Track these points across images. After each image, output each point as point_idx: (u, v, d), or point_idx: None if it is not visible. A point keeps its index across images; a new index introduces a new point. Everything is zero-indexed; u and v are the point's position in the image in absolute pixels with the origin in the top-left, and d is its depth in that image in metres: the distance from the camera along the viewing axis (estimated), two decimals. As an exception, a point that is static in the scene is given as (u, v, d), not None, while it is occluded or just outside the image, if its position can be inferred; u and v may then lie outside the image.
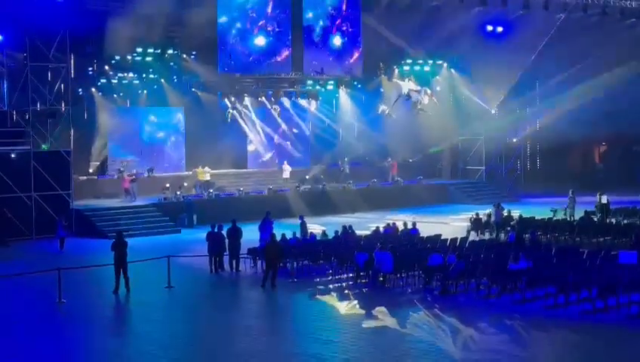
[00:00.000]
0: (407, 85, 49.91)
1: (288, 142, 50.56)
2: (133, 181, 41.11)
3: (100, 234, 35.81)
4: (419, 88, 49.86)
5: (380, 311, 22.37)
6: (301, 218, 33.76)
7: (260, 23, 44.42)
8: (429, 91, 49.73)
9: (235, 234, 28.58)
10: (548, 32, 47.63)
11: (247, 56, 44.50)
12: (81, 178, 42.03)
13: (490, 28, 49.69)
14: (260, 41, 44.61)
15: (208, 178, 44.27)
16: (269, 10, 44.46)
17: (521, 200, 48.56)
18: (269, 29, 44.65)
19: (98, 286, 26.09)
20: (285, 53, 45.49)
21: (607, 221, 36.15)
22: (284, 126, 50.27)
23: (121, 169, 43.23)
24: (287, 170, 47.58)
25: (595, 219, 36.37)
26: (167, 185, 42.49)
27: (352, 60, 47.64)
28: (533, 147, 56.98)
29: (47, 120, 38.27)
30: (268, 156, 49.58)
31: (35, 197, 36.76)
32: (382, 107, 50.37)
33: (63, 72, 38.13)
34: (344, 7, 46.59)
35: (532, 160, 57.07)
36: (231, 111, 47.84)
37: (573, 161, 58.15)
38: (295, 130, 51.00)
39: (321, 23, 46.07)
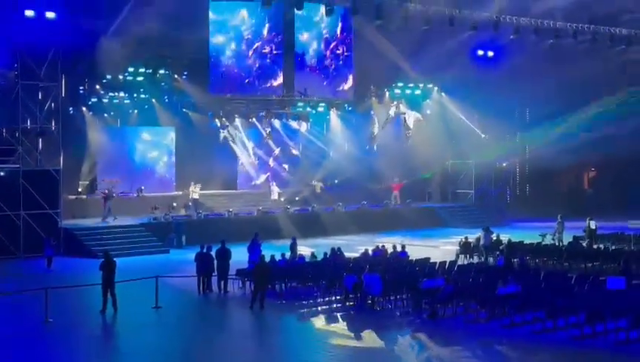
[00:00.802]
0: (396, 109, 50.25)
1: (286, 166, 50.49)
2: (106, 198, 40.71)
3: (89, 253, 35.65)
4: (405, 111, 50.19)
5: (368, 333, 22.37)
6: (293, 239, 33.72)
7: (255, 46, 44.18)
8: (417, 115, 49.93)
9: (224, 254, 28.50)
10: (538, 57, 47.87)
11: (241, 78, 44.23)
12: (70, 197, 41.89)
13: (481, 52, 49.97)
14: (255, 63, 44.40)
15: (197, 196, 44.13)
16: (265, 32, 44.26)
17: (510, 224, 48.61)
18: (264, 51, 44.38)
19: (85, 305, 25.98)
20: (281, 76, 45.28)
21: (596, 246, 36.21)
22: (276, 151, 50.16)
23: (106, 190, 43.07)
24: (275, 191, 47.56)
25: (584, 245, 36.44)
26: (157, 205, 42.41)
27: (344, 83, 47.47)
28: (523, 172, 57.16)
29: (37, 138, 38.20)
30: (262, 179, 49.34)
31: (24, 215, 36.64)
32: (373, 129, 50.63)
33: (53, 91, 38.10)
34: (338, 30, 46.42)
35: (521, 184, 57.20)
36: (223, 132, 47.78)
37: (562, 186, 58.29)
38: (295, 152, 50.92)
39: (315, 45, 45.90)
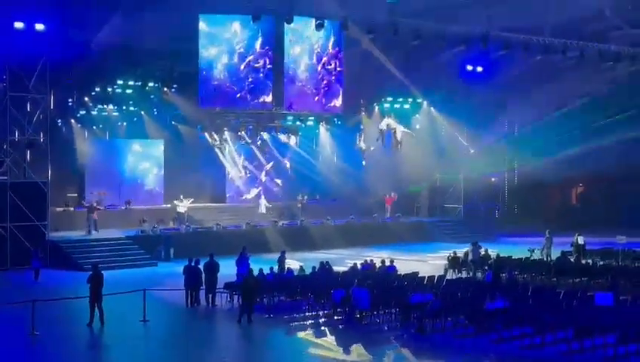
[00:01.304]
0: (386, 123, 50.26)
1: (279, 181, 50.40)
2: (89, 211, 40.48)
3: (76, 266, 35.51)
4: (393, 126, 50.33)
5: (357, 348, 22.33)
6: (282, 253, 33.68)
7: (247, 59, 43.78)
8: (404, 129, 50.08)
9: (212, 268, 28.43)
10: (527, 72, 48.04)
11: (233, 92, 43.78)
12: (58, 209, 41.72)
13: (470, 67, 50.11)
14: (248, 77, 43.98)
15: (182, 210, 43.96)
16: (258, 46, 43.94)
17: (499, 239, 48.64)
18: (256, 65, 43.98)
19: (72, 318, 25.81)
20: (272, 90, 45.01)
21: (584, 262, 36.28)
22: (268, 166, 50.08)
23: (95, 202, 42.93)
24: (263, 204, 47.49)
25: (572, 260, 36.49)
26: (145, 217, 42.32)
27: (336, 100, 47.20)
28: (511, 186, 57.24)
29: (25, 150, 38.08)
30: (254, 193, 49.08)
31: (11, 227, 36.47)
32: (362, 144, 50.72)
33: (42, 103, 38.00)
34: (330, 45, 46.14)
35: (510, 199, 57.26)
36: (218, 145, 47.76)
37: (550, 201, 58.41)
38: (287, 165, 50.88)
39: (306, 60, 45.56)
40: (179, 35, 39.99)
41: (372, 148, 50.51)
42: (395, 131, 49.70)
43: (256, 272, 27.67)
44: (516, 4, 42.05)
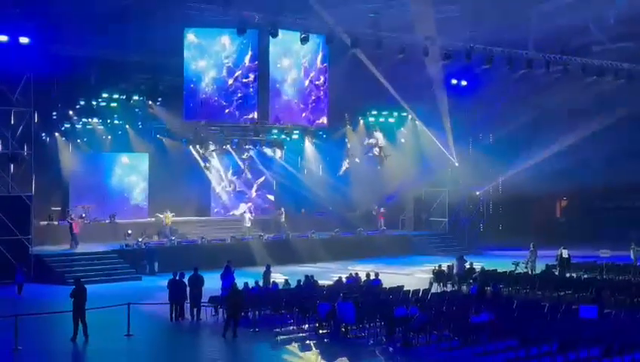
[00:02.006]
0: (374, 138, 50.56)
1: (272, 197, 50.29)
2: (72, 225, 40.24)
3: (60, 280, 35.29)
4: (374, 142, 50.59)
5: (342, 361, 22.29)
6: (267, 266, 33.63)
7: (236, 74, 43.41)
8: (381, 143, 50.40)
9: (197, 281, 28.35)
10: (511, 86, 48.27)
11: (221, 106, 43.26)
12: (42, 223, 41.53)
13: (454, 81, 50.32)
14: (237, 93, 43.64)
15: (168, 223, 43.79)
16: (247, 60, 43.65)
17: (483, 252, 48.78)
18: (245, 80, 43.51)
19: (56, 333, 25.68)
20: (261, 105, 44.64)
21: (568, 275, 36.40)
22: (260, 180, 49.98)
23: (83, 215, 42.82)
24: (248, 218, 47.40)
25: (556, 273, 36.61)
26: (129, 231, 42.20)
27: (324, 116, 47.00)
28: (496, 200, 57.36)
29: (8, 164, 37.91)
30: (242, 209, 48.69)
31: (-6, 241, 36.31)
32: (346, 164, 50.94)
33: (26, 116, 37.85)
34: (318, 60, 45.95)
35: (495, 212, 57.37)
36: (207, 165, 47.80)
37: (534, 215, 58.58)
38: (272, 180, 50.87)
39: (293, 74, 45.32)
40: (164, 49, 39.94)
41: (354, 162, 50.59)
42: (380, 146, 49.91)
43: (241, 286, 27.60)
44: (500, 18, 42.26)
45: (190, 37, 42.13)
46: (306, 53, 45.13)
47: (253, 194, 50.13)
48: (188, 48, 42.26)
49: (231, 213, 49.44)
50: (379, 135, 51.20)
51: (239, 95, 43.45)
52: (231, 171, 49.97)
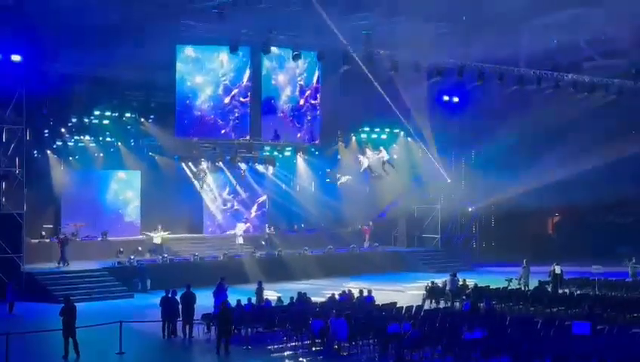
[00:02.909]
0: (367, 160, 50.50)
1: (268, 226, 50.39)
2: (62, 243, 40.00)
3: (52, 298, 35.05)
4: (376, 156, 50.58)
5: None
6: (259, 283, 33.56)
7: (233, 92, 43.08)
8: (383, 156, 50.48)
9: (189, 299, 28.26)
10: (502, 103, 48.43)
11: (218, 125, 42.91)
12: (33, 241, 41.38)
13: (446, 98, 50.50)
14: (233, 111, 43.25)
15: (158, 241, 43.68)
16: (245, 79, 43.24)
17: (476, 269, 48.77)
18: (243, 100, 43.12)
19: (48, 351, 25.53)
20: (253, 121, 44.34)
21: (561, 291, 36.41)
22: (260, 199, 49.93)
23: (74, 232, 42.68)
24: (240, 235, 47.24)
25: (549, 289, 36.62)
26: (121, 249, 42.08)
27: (315, 131, 46.89)
28: (488, 216, 57.46)
29: (0, 182, 37.79)
30: (241, 229, 48.49)
31: (-14, 259, 36.16)
32: (342, 178, 50.79)
33: (18, 134, 37.78)
34: (315, 79, 45.74)
35: (487, 229, 57.42)
36: (201, 184, 47.72)
37: (527, 231, 58.64)
38: (264, 196, 50.83)
39: (288, 92, 45.08)
40: (156, 65, 39.99)
41: (347, 180, 50.62)
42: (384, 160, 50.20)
43: (233, 303, 27.50)
44: (491, 35, 42.45)
45: (188, 51, 41.94)
46: (302, 72, 45.02)
47: (253, 213, 50.01)
48: (185, 62, 42.10)
49: (229, 233, 48.94)
50: (383, 150, 51.28)
51: (236, 114, 43.20)
52: (227, 190, 49.87)
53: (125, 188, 47.40)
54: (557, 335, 24.72)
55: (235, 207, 50.19)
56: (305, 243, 47.71)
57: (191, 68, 42.19)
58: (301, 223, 51.77)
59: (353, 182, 51.20)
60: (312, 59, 44.08)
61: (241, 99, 42.93)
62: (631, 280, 40.22)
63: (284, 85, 44.76)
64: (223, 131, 43.31)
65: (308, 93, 45.44)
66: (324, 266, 45.74)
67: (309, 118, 45.90)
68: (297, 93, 45.20)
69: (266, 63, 43.40)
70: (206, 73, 42.37)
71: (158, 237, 43.56)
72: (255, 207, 50.25)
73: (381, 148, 51.58)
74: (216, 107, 42.71)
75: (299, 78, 45.02)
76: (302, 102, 45.61)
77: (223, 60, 42.36)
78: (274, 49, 41.76)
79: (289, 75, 44.70)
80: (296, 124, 45.54)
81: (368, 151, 51.66)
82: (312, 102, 45.76)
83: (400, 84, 45.54)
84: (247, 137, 44.30)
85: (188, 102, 42.39)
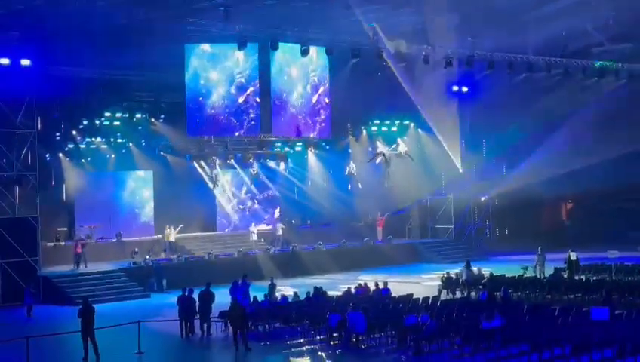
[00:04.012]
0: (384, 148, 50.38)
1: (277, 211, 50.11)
2: (83, 246, 40.07)
3: (69, 300, 35.22)
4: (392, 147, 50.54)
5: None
6: (271, 280, 33.62)
7: (248, 91, 42.21)
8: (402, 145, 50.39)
9: (208, 297, 28.34)
10: (512, 91, 48.28)
11: (232, 125, 42.43)
12: (49, 244, 41.53)
13: (455, 88, 50.38)
14: (246, 110, 42.78)
15: (173, 239, 43.85)
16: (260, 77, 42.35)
17: (490, 258, 48.66)
18: (258, 100, 42.33)
19: (67, 353, 25.67)
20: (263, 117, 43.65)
21: (577, 278, 36.33)
22: (277, 213, 50.09)
23: (89, 235, 42.79)
24: (254, 232, 47.34)
25: (565, 276, 36.55)
26: (136, 249, 42.22)
27: (327, 128, 46.71)
28: (501, 205, 57.26)
29: (13, 186, 37.93)
30: (256, 227, 48.46)
31: (2, 264, 36.29)
32: (350, 167, 50.68)
33: (29, 138, 37.92)
34: (327, 76, 45.35)
35: (500, 218, 57.31)
36: (216, 180, 47.72)
37: (540, 219, 58.53)
38: (272, 193, 50.84)
39: (300, 89, 44.84)
40: (165, 65, 39.95)
41: (360, 172, 50.52)
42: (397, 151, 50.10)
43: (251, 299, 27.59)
44: (499, 23, 42.31)
45: (204, 47, 41.55)
46: (316, 68, 44.68)
47: (277, 214, 50.12)
48: (200, 57, 41.71)
49: (251, 237, 47.86)
50: (401, 142, 51.16)
51: (251, 115, 42.67)
52: (245, 190, 49.89)
53: (138, 189, 47.57)
54: (575, 321, 24.66)
55: (249, 206, 50.22)
56: (319, 238, 47.74)
57: (205, 64, 41.70)
58: (314, 218, 51.78)
59: (363, 174, 51.05)
60: (326, 56, 43.58)
61: (257, 99, 42.35)
62: None
63: (297, 81, 44.29)
64: (237, 134, 42.94)
65: (322, 90, 45.01)
66: (339, 260, 45.76)
67: (322, 116, 45.44)
68: (310, 89, 44.78)
69: (278, 58, 42.94)
70: (222, 70, 41.89)
71: (171, 235, 43.67)
72: (278, 211, 50.29)
73: (398, 140, 51.36)
74: (230, 106, 42.21)
75: (312, 74, 44.57)
76: (315, 99, 45.16)
77: (239, 58, 41.77)
78: (284, 45, 41.48)
79: (302, 71, 44.23)
80: (310, 122, 45.11)
81: (379, 144, 51.55)
82: (327, 100, 45.26)
83: (409, 75, 45.43)
84: (259, 135, 44.10)
85: (201, 99, 41.81)
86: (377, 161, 50.14)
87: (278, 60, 43.04)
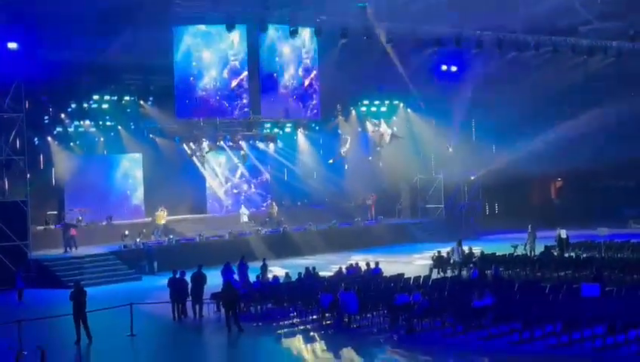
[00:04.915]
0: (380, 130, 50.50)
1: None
2: (66, 229, 39.91)
3: (60, 284, 35.18)
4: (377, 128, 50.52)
5: (347, 351, 22.35)
6: (263, 261, 33.65)
7: (241, 76, 42.26)
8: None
9: (200, 279, 28.34)
10: (501, 70, 48.29)
11: (224, 109, 42.12)
12: (39, 228, 41.42)
13: (444, 67, 50.33)
14: (240, 95, 42.59)
15: (163, 222, 43.79)
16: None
17: (481, 237, 48.84)
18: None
19: (60, 336, 25.63)
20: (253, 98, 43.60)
21: (567, 255, 36.48)
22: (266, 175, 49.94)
23: (79, 218, 42.69)
24: (245, 213, 47.34)
25: (555, 254, 36.70)
26: (127, 232, 42.14)
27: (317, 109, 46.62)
28: (491, 184, 57.35)
29: (2, 170, 37.80)
30: (246, 208, 48.59)
31: (-8, 248, 36.25)
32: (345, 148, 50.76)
33: (17, 122, 37.75)
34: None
35: (490, 196, 57.46)
36: (202, 160, 47.53)
37: (530, 197, 58.72)
38: (266, 177, 50.76)
39: (292, 71, 44.62)
40: (153, 48, 39.77)
41: (349, 152, 50.50)
42: (382, 134, 50.11)
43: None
44: (487, 2, 42.26)
45: (200, 26, 41.21)
46: (309, 51, 44.49)
47: (253, 189, 50.04)
48: (194, 36, 41.39)
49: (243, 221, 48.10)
50: (383, 123, 51.19)
51: (244, 101, 42.53)
52: (230, 169, 49.79)
53: (127, 172, 47.39)
54: (566, 298, 24.81)
55: (245, 190, 50.15)
56: (309, 219, 47.78)
57: (199, 42, 41.42)
58: (305, 199, 51.81)
59: (355, 155, 51.06)
60: (316, 39, 43.38)
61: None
62: None
63: (289, 62, 44.12)
64: (232, 117, 42.89)
65: (314, 74, 44.84)
66: (330, 241, 45.84)
67: (314, 101, 45.37)
68: (301, 72, 44.61)
69: (269, 39, 42.68)
70: (215, 51, 41.62)
71: (162, 217, 43.60)
72: (253, 184, 50.26)
73: (380, 120, 51.38)
74: (222, 89, 42.01)
75: (304, 56, 44.38)
76: (307, 82, 44.97)
77: (234, 40, 41.47)
78: (275, 26, 41.28)
79: (294, 53, 44.06)
80: (301, 105, 45.01)
81: (369, 125, 51.53)
82: (319, 85, 45.14)
83: (398, 55, 45.38)
84: (249, 115, 43.99)
85: (192, 79, 41.57)
86: (388, 141, 50.27)
87: (269, 40, 42.85)
